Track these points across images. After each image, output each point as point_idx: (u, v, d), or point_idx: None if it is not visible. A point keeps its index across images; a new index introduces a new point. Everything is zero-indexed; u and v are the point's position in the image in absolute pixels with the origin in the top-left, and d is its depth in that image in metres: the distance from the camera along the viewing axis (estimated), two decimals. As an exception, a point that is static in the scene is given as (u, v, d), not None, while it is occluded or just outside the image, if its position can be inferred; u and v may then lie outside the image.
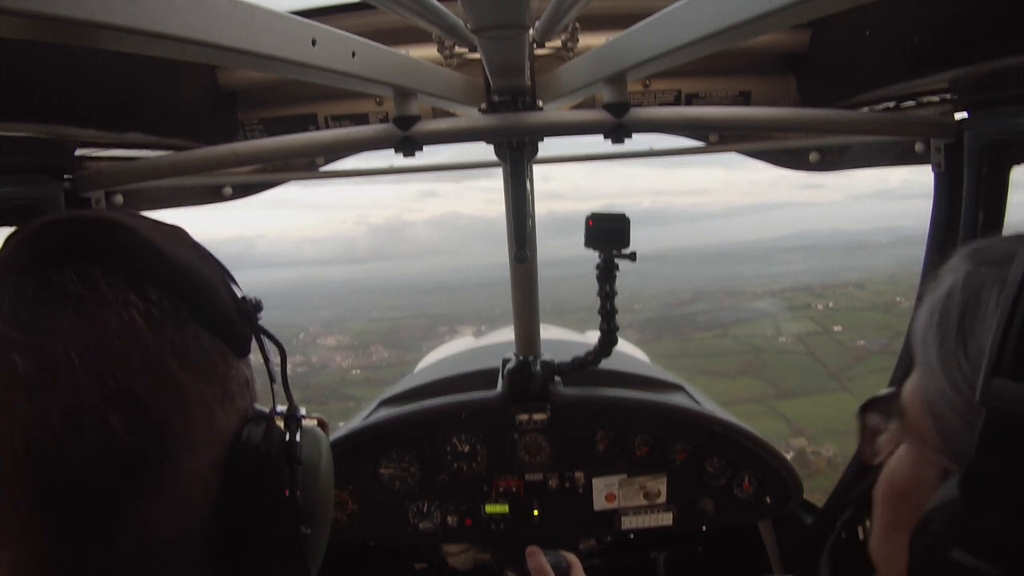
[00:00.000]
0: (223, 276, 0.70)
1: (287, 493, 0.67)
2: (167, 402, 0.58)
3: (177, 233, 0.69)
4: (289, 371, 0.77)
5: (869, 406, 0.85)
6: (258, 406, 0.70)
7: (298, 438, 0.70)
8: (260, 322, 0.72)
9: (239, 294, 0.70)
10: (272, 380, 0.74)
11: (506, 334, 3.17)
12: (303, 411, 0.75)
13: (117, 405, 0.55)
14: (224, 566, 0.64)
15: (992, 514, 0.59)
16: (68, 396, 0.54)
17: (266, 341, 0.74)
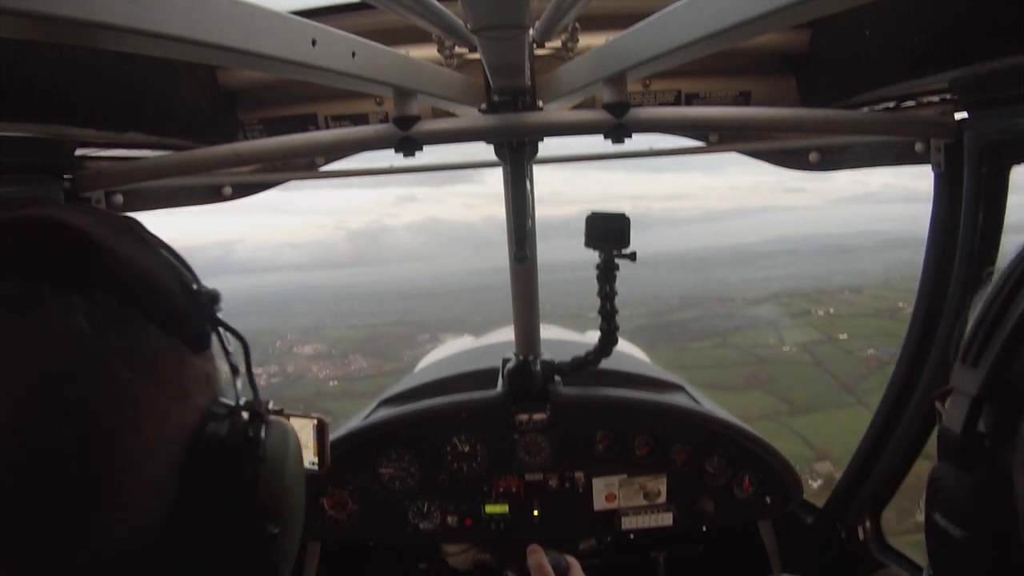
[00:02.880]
0: (175, 268, 0.66)
1: (250, 492, 0.63)
2: (116, 409, 0.55)
3: (125, 225, 0.66)
4: (263, 382, 0.73)
5: (939, 396, 0.91)
6: (224, 400, 0.67)
7: (262, 434, 0.66)
8: (219, 314, 0.69)
9: (194, 286, 0.67)
10: (235, 373, 0.70)
11: (506, 334, 3.17)
12: (270, 404, 0.71)
13: (65, 416, 0.52)
14: (188, 572, 0.61)
15: (953, 480, 0.70)
16: (15, 407, 0.51)
17: (230, 336, 0.70)
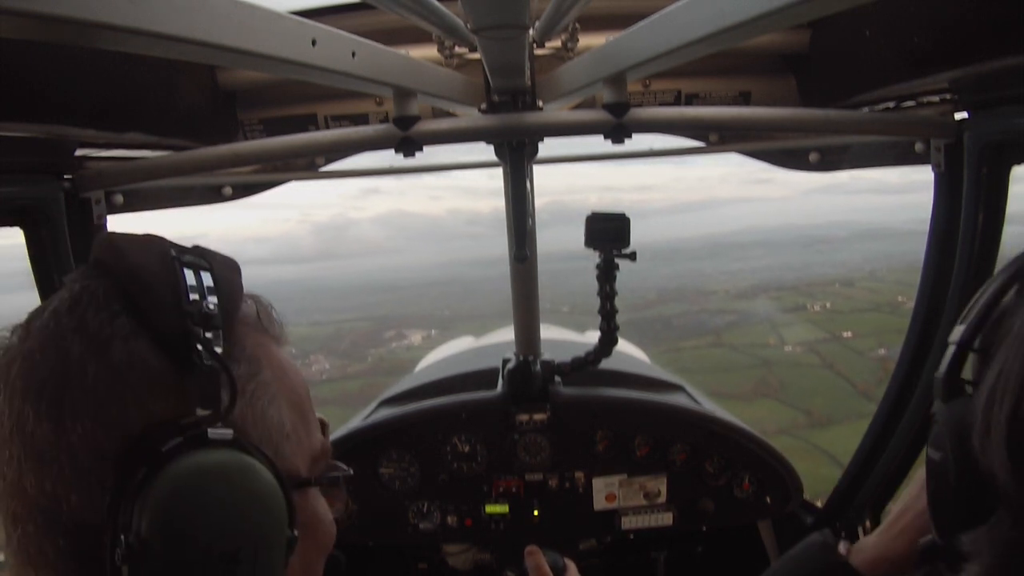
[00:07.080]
0: (176, 279, 0.67)
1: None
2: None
3: (149, 236, 0.73)
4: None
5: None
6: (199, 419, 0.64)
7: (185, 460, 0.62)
8: (210, 335, 0.66)
9: (187, 300, 0.67)
10: (207, 396, 0.66)
11: (506, 334, 3.17)
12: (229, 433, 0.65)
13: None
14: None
15: (938, 414, 0.85)
16: None
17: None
